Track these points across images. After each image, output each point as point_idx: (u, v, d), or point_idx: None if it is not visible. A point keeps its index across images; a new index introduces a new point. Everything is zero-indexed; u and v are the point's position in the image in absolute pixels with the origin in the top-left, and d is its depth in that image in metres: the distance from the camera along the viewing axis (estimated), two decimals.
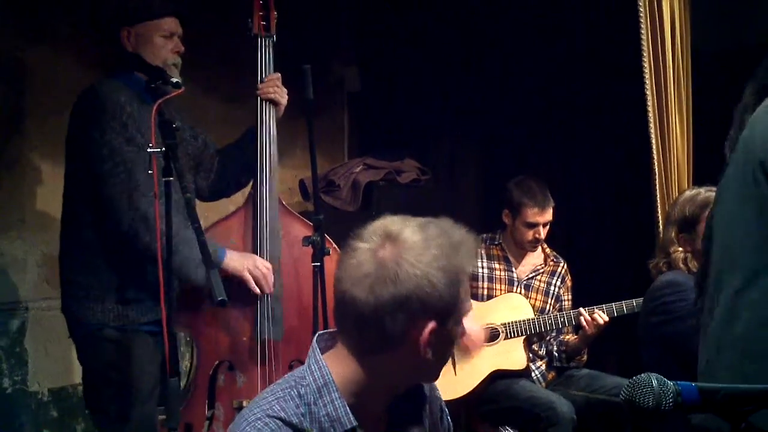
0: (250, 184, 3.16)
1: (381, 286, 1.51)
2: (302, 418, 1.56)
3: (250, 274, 2.98)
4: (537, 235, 3.98)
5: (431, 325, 1.54)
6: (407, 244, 1.53)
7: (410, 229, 1.55)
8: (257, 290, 3.00)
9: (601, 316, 3.76)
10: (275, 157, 3.12)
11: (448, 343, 1.60)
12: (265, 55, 3.14)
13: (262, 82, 3.13)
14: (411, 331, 1.54)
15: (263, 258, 3.05)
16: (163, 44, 2.98)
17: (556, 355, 4.03)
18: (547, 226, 4.01)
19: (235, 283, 2.94)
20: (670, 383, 1.29)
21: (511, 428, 3.88)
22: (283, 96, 3.14)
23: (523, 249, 4.07)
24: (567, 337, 4.01)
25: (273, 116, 3.14)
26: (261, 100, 3.12)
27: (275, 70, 3.15)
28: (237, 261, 2.97)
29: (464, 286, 1.58)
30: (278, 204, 3.13)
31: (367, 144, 5.15)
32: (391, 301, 1.51)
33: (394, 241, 1.53)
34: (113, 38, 2.98)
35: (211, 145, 3.29)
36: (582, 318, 3.78)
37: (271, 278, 3.02)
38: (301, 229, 3.13)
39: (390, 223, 1.57)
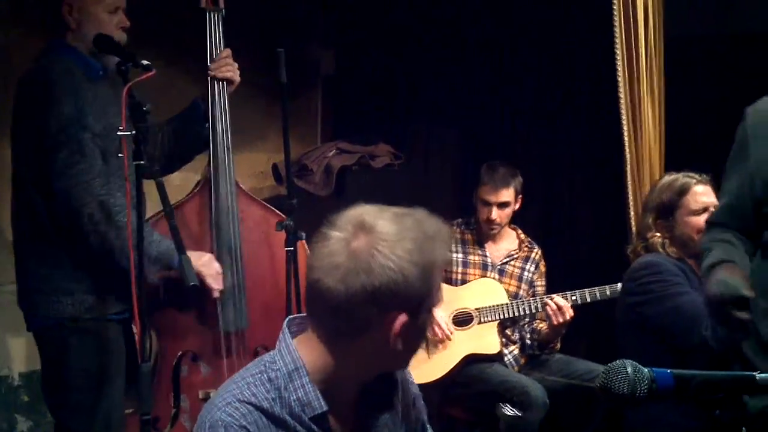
0: (204, 166, 3.05)
1: (353, 277, 1.49)
2: (273, 403, 1.56)
3: (203, 271, 2.87)
4: (489, 215, 3.97)
5: (402, 317, 1.53)
6: (381, 236, 1.51)
7: (385, 220, 1.54)
8: (212, 287, 2.91)
9: (561, 302, 3.76)
10: (229, 137, 3.02)
11: (419, 334, 1.60)
12: (215, 30, 3.03)
13: (213, 59, 3.02)
14: (382, 322, 1.53)
15: (222, 243, 2.97)
16: (109, 19, 2.84)
17: (529, 342, 4.04)
18: (506, 209, 3.99)
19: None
20: (645, 370, 1.29)
21: (487, 412, 3.88)
22: (236, 73, 3.04)
23: (484, 230, 4.08)
24: (540, 325, 4.01)
25: (226, 95, 3.03)
26: (212, 79, 3.01)
27: (225, 46, 3.04)
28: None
29: (437, 278, 1.57)
30: (236, 188, 3.04)
31: (340, 128, 5.13)
32: (363, 292, 1.50)
33: (368, 232, 1.52)
34: (57, 13, 2.83)
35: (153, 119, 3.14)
36: (548, 307, 3.79)
37: (220, 279, 2.93)
38: (260, 213, 3.07)
39: (364, 212, 1.56)
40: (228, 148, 3.01)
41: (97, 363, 2.84)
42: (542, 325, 4.00)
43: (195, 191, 3.06)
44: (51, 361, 2.90)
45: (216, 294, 2.93)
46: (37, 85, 2.78)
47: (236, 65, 3.04)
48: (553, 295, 3.82)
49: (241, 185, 3.09)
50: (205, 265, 2.89)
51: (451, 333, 3.84)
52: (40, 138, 2.73)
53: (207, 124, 3.02)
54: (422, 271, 1.52)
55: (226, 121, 3.01)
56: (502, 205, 3.98)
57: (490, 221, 3.99)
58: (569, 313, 3.76)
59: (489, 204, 3.98)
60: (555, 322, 3.78)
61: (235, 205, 3.01)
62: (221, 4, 3.02)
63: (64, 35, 2.84)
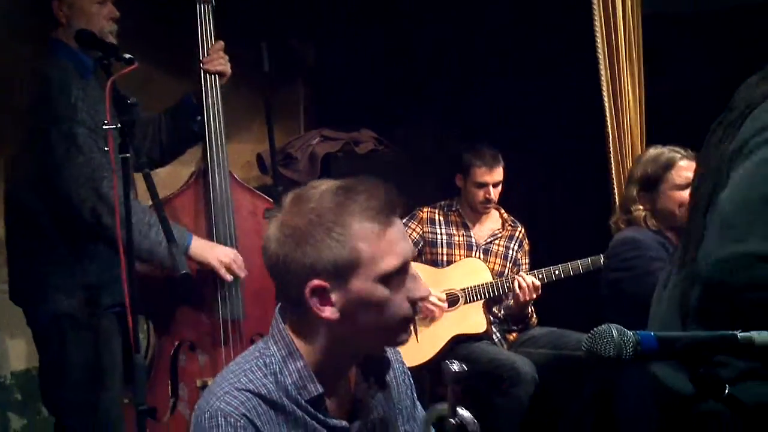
0: (200, 157, 3.07)
1: (281, 247, 1.53)
2: (270, 388, 1.57)
3: (219, 263, 2.91)
4: (487, 195, 4.03)
5: (314, 283, 1.52)
6: (308, 206, 1.53)
7: (316, 190, 1.55)
8: (228, 278, 2.93)
9: (528, 280, 3.82)
10: (222, 129, 3.03)
11: (367, 303, 1.54)
12: (205, 22, 3.01)
13: (204, 52, 3.01)
14: (305, 291, 1.53)
15: (219, 233, 2.98)
16: (98, 11, 2.86)
17: (501, 317, 4.09)
18: (498, 187, 4.06)
19: (194, 263, 2.88)
20: (630, 333, 1.31)
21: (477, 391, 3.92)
22: (227, 66, 3.04)
23: (477, 212, 4.12)
24: (510, 301, 4.05)
25: (218, 87, 3.03)
26: (205, 72, 3.01)
27: (217, 38, 3.03)
28: (204, 250, 2.89)
29: (369, 243, 1.52)
30: (231, 178, 3.04)
31: (323, 118, 5.14)
32: (289, 262, 1.52)
33: (298, 203, 1.55)
34: (47, 10, 2.85)
35: (141, 113, 3.12)
36: (516, 283, 3.84)
37: (241, 261, 2.95)
38: (253, 202, 3.07)
39: (304, 187, 1.59)
40: (221, 140, 3.01)
41: (95, 357, 2.86)
42: (511, 302, 4.04)
43: (189, 183, 3.06)
44: (49, 358, 2.92)
45: (241, 275, 2.95)
46: (33, 86, 2.82)
47: (227, 57, 3.03)
48: (522, 273, 3.89)
49: (234, 175, 3.09)
50: (221, 259, 2.90)
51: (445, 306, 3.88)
52: (39, 137, 2.76)
53: (199, 118, 3.02)
54: (345, 235, 1.51)
55: (219, 112, 3.01)
56: (497, 184, 4.04)
57: (487, 201, 4.04)
58: (525, 280, 3.82)
59: (485, 185, 4.02)
60: (522, 298, 3.83)
61: (229, 195, 3.00)
62: None
63: (56, 32, 2.86)
